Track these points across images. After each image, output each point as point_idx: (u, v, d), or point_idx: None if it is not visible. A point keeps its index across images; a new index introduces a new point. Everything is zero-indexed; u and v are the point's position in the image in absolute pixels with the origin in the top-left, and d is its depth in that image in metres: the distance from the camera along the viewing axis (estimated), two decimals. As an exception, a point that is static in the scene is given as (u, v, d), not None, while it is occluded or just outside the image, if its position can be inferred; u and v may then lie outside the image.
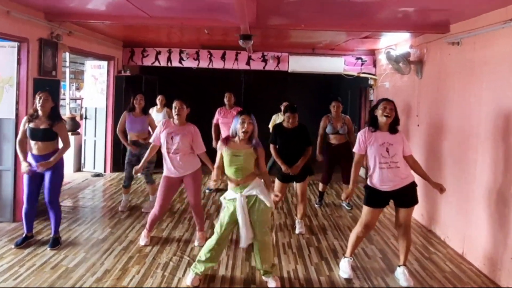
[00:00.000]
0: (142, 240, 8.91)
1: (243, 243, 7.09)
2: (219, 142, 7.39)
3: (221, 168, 7.33)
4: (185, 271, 7.67)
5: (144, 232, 8.99)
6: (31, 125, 8.26)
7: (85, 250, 8.43)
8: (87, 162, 15.81)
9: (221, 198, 7.40)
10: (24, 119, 8.41)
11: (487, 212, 8.03)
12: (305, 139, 9.65)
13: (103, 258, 8.14)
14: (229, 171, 7.14)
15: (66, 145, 8.45)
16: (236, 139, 7.21)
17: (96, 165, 15.68)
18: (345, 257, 7.76)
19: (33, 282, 7.08)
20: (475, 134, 8.53)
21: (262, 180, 7.28)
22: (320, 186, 12.31)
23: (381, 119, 7.23)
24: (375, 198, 7.36)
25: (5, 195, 9.83)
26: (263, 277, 7.36)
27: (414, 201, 7.43)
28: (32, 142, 8.31)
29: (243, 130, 7.07)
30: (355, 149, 7.45)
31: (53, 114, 8.37)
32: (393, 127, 7.30)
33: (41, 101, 8.22)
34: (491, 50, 8.24)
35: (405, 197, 7.34)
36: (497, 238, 7.70)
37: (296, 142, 9.45)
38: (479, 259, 8.25)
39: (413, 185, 7.38)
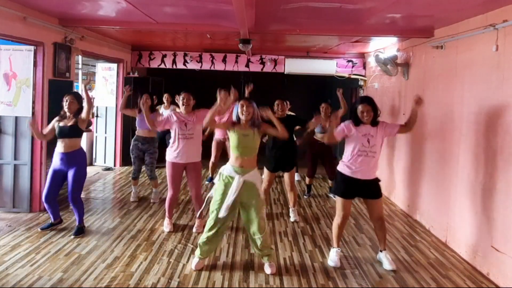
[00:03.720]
0: (166, 227, 9.02)
1: (221, 213, 7.04)
2: (227, 123, 7.42)
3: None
4: (189, 258, 7.69)
5: (166, 220, 9.10)
6: (61, 124, 8.36)
7: (96, 239, 8.45)
8: (98, 156, 15.85)
9: (218, 173, 7.37)
10: (54, 119, 8.51)
11: (468, 203, 8.04)
12: (299, 121, 10.09)
13: (113, 246, 8.17)
14: (236, 151, 7.13)
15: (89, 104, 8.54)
16: (242, 121, 7.20)
17: (107, 159, 15.72)
18: (333, 247, 7.78)
19: (48, 268, 7.09)
20: (458, 131, 8.55)
21: (257, 172, 7.27)
22: (307, 179, 12.42)
23: (363, 120, 7.29)
24: (346, 188, 7.42)
25: (22, 188, 9.84)
26: (262, 261, 7.39)
27: (380, 194, 7.50)
28: (60, 140, 8.38)
29: (245, 113, 7.11)
30: (335, 133, 7.43)
31: (78, 112, 8.46)
32: (374, 121, 7.35)
33: (67, 103, 8.36)
34: (472, 53, 8.27)
35: (373, 189, 7.41)
36: (478, 228, 7.71)
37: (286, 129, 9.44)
38: (461, 247, 8.27)
39: (377, 180, 7.45)
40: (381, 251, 7.70)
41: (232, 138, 7.20)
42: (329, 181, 12.59)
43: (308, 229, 9.48)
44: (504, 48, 7.25)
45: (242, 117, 7.19)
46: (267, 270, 7.23)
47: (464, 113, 8.41)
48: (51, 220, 8.80)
